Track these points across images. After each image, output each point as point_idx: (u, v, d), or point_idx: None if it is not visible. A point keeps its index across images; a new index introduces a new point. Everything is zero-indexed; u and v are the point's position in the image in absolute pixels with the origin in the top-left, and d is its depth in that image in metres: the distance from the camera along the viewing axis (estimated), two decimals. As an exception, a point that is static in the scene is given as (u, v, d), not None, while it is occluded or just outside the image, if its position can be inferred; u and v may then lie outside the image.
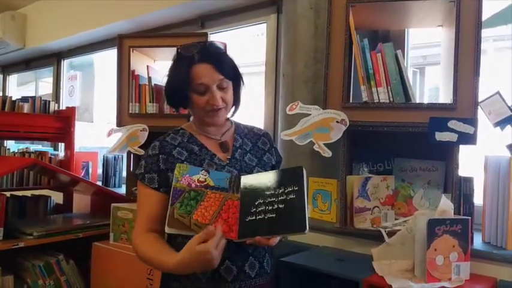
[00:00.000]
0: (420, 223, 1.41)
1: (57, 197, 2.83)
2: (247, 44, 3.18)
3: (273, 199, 1.15)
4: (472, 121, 1.53)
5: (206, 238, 1.08)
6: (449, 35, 1.65)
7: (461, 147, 1.55)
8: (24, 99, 2.83)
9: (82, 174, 3.17)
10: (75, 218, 2.53)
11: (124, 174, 2.89)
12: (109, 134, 2.34)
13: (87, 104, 4.22)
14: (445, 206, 1.43)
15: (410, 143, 1.74)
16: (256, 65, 2.73)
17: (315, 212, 1.86)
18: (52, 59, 4.15)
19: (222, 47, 1.34)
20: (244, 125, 1.47)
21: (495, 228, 1.56)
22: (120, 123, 2.37)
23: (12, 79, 4.94)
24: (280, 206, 1.13)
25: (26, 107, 2.79)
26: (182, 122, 1.47)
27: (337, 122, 1.65)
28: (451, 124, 1.53)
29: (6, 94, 4.65)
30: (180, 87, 1.28)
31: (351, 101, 1.71)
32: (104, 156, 3.23)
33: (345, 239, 1.86)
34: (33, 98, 2.85)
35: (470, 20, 1.55)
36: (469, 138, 1.52)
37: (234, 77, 1.33)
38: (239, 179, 1.23)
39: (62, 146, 3.64)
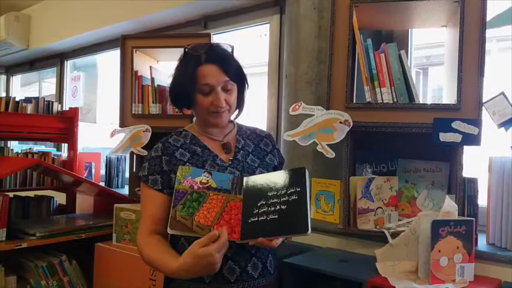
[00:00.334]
0: (424, 224, 1.40)
1: (60, 198, 2.84)
2: (251, 44, 3.18)
3: (275, 200, 1.15)
4: (476, 122, 1.52)
5: (208, 242, 1.08)
6: (454, 35, 1.64)
7: (466, 148, 1.54)
8: (28, 99, 2.84)
9: (85, 175, 3.18)
10: (78, 218, 2.53)
11: (127, 174, 2.90)
12: (112, 135, 2.34)
13: (90, 104, 4.24)
14: (449, 207, 1.42)
15: (414, 144, 1.74)
16: (260, 66, 2.73)
17: (318, 213, 1.85)
18: (55, 59, 4.16)
19: (229, 49, 1.34)
20: (247, 127, 1.46)
21: (499, 230, 1.55)
22: (123, 123, 2.37)
23: (16, 80, 4.96)
24: (283, 207, 1.13)
25: (30, 108, 2.79)
26: (185, 123, 1.47)
27: (341, 122, 1.65)
28: (455, 125, 1.52)
29: (10, 95, 4.67)
30: (185, 87, 1.28)
31: (354, 101, 1.71)
32: (107, 156, 3.23)
33: (348, 240, 1.85)
34: (37, 99, 2.86)
35: (475, 20, 1.54)
36: (473, 139, 1.51)
37: (239, 79, 1.32)
38: (241, 180, 1.23)
39: (65, 146, 3.64)
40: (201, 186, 1.20)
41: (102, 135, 3.67)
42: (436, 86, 2.55)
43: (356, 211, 1.66)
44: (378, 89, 1.64)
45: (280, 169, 1.46)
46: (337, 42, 1.70)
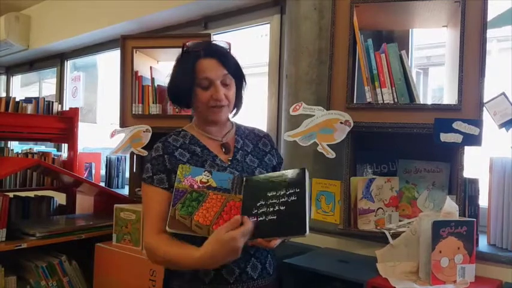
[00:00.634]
0: (425, 225, 1.40)
1: (60, 198, 2.83)
2: (251, 44, 3.18)
3: (274, 201, 1.15)
4: (477, 122, 1.51)
5: (232, 227, 1.09)
6: (454, 36, 1.64)
7: (466, 149, 1.54)
8: (28, 100, 2.84)
9: (85, 175, 3.18)
10: (78, 219, 2.52)
11: (127, 175, 2.89)
12: (112, 135, 2.34)
13: (90, 104, 4.23)
14: (450, 207, 1.42)
15: (414, 144, 1.73)
16: (260, 66, 2.73)
17: (319, 213, 1.85)
18: (56, 59, 4.16)
19: (226, 46, 1.35)
20: (245, 127, 1.46)
21: (500, 230, 1.55)
22: (123, 124, 2.37)
23: (16, 80, 4.97)
24: (282, 208, 1.13)
25: (30, 108, 2.79)
26: (185, 123, 1.46)
27: (341, 123, 1.64)
28: (456, 125, 1.52)
29: (10, 95, 4.67)
30: (184, 82, 1.29)
31: (355, 101, 1.71)
32: (107, 157, 3.23)
33: (349, 240, 1.85)
34: (37, 99, 2.85)
35: (476, 20, 1.54)
36: (474, 140, 1.51)
37: (237, 76, 1.33)
38: (241, 180, 1.22)
39: (65, 146, 3.63)
40: (201, 185, 1.20)
41: (102, 135, 3.67)
42: (436, 86, 2.55)
43: (356, 211, 1.65)
44: (378, 89, 1.63)
45: (279, 169, 1.45)
46: (338, 42, 1.70)
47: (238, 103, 1.38)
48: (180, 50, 1.35)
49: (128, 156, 2.53)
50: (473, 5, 1.54)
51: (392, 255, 1.52)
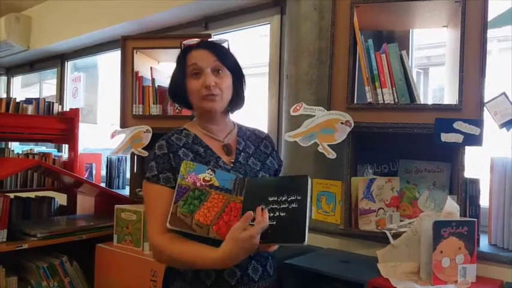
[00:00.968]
0: (425, 225, 1.40)
1: (61, 199, 2.84)
2: (252, 45, 3.18)
3: (275, 206, 1.15)
4: (478, 122, 1.51)
5: (246, 225, 1.09)
6: (455, 36, 1.64)
7: (467, 149, 1.54)
8: (28, 100, 2.84)
9: (86, 176, 3.18)
10: (79, 219, 2.53)
11: (128, 175, 2.89)
12: (113, 136, 2.34)
13: (90, 105, 4.23)
14: (451, 207, 1.42)
15: (415, 144, 1.73)
16: (260, 66, 2.72)
17: (319, 213, 1.85)
18: (56, 60, 4.17)
19: (224, 42, 1.35)
20: (246, 127, 1.45)
21: (501, 230, 1.55)
22: (123, 124, 2.37)
23: (17, 81, 4.97)
24: (282, 214, 1.13)
25: (30, 109, 2.79)
26: (185, 124, 1.46)
27: (342, 123, 1.64)
28: (457, 125, 1.52)
29: (11, 96, 4.67)
30: (178, 75, 1.31)
31: (355, 102, 1.71)
32: (107, 157, 3.23)
33: (350, 240, 1.85)
34: (37, 100, 2.86)
35: (476, 20, 1.54)
36: (474, 140, 1.51)
37: (235, 70, 1.33)
38: (243, 182, 1.22)
39: (65, 147, 3.64)
40: (203, 183, 1.20)
41: (102, 136, 3.67)
42: (436, 86, 2.55)
43: (357, 212, 1.65)
44: (379, 90, 1.63)
45: (280, 171, 1.46)
46: (338, 42, 1.70)
47: (238, 100, 1.37)
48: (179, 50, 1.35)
49: (128, 156, 2.53)
50: (474, 5, 1.54)
51: (393, 255, 1.52)
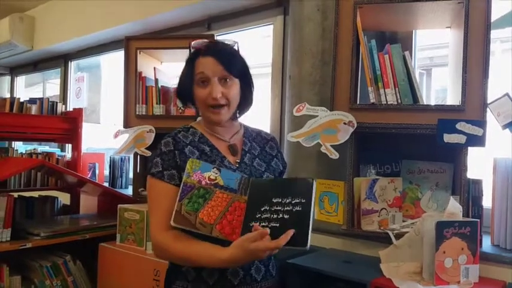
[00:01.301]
0: (428, 225, 1.40)
1: (64, 198, 2.85)
2: (255, 45, 3.18)
3: (279, 208, 1.15)
4: (481, 123, 1.52)
5: (259, 238, 1.09)
6: (458, 36, 1.64)
7: (470, 149, 1.54)
8: (32, 100, 2.85)
9: (89, 176, 3.19)
10: (82, 219, 2.54)
11: (131, 175, 2.90)
12: (116, 136, 2.35)
13: (94, 105, 4.24)
14: (454, 208, 1.42)
15: (418, 145, 1.73)
16: (263, 67, 2.73)
17: (322, 214, 1.85)
18: (59, 60, 4.18)
19: (233, 44, 1.34)
20: (252, 129, 1.46)
21: (504, 231, 1.55)
22: (127, 124, 2.38)
23: (20, 80, 4.98)
24: (285, 216, 1.13)
25: (34, 109, 2.80)
26: (189, 123, 1.46)
27: (345, 123, 1.65)
28: (460, 126, 1.52)
29: (14, 95, 4.68)
30: (185, 80, 1.31)
31: (358, 102, 1.71)
32: (110, 157, 3.24)
33: (352, 241, 1.85)
34: (41, 100, 2.87)
35: (479, 21, 1.54)
36: (477, 140, 1.51)
37: (242, 75, 1.31)
38: (249, 182, 1.23)
39: (69, 147, 3.65)
40: (209, 182, 1.20)
41: (106, 135, 3.67)
42: (439, 87, 2.54)
43: (360, 212, 1.66)
44: (382, 90, 1.64)
45: (284, 173, 1.46)
46: (341, 43, 1.70)
47: (245, 104, 1.36)
48: (184, 51, 1.37)
49: (131, 156, 2.54)
50: (477, 6, 1.54)
51: (395, 255, 1.53)
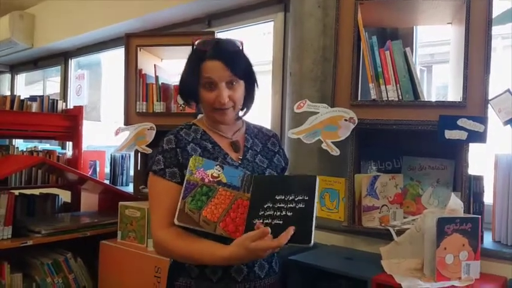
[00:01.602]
0: (429, 222, 1.40)
1: (65, 196, 2.85)
2: (255, 42, 3.18)
3: (282, 205, 1.14)
4: (482, 119, 1.51)
5: (260, 237, 1.08)
6: (459, 33, 1.64)
7: (471, 146, 1.54)
8: (32, 98, 2.85)
9: (90, 173, 3.19)
10: (83, 216, 2.54)
11: (131, 172, 2.90)
12: (116, 133, 2.35)
13: (94, 103, 4.24)
14: (455, 204, 1.42)
15: (419, 141, 1.73)
16: (264, 64, 2.72)
17: (323, 210, 1.85)
18: (60, 58, 4.17)
19: (238, 44, 1.32)
20: (254, 125, 1.46)
21: (505, 227, 1.55)
22: (127, 122, 2.38)
23: (21, 78, 4.98)
24: (289, 213, 1.12)
25: (34, 106, 2.80)
26: (189, 121, 1.46)
27: (346, 120, 1.64)
28: (461, 122, 1.52)
29: (15, 93, 4.69)
30: (190, 82, 1.29)
31: (359, 98, 1.71)
32: (111, 155, 3.24)
33: (353, 237, 1.85)
34: (41, 97, 2.86)
35: (481, 17, 1.53)
36: (478, 137, 1.51)
37: (247, 76, 1.31)
38: (251, 179, 1.22)
39: (69, 144, 3.65)
40: (211, 179, 1.20)
41: (106, 133, 3.68)
42: (440, 84, 2.54)
43: (361, 209, 1.66)
44: (383, 87, 1.63)
45: (286, 170, 1.46)
46: (342, 39, 1.70)
47: (248, 103, 1.36)
48: (184, 48, 1.35)
49: (132, 154, 2.54)
50: (478, 2, 1.54)
51: (397, 252, 1.53)
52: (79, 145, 2.94)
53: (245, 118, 1.44)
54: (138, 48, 2.39)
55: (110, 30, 3.37)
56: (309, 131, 1.69)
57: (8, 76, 5.01)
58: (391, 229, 1.58)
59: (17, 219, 2.22)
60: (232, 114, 1.31)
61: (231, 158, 1.31)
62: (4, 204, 2.07)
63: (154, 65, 2.47)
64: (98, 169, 3.27)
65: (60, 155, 3.01)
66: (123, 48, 2.43)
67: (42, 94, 3.86)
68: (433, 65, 2.85)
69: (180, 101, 2.30)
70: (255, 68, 1.35)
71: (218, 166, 1.21)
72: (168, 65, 2.60)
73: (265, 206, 1.16)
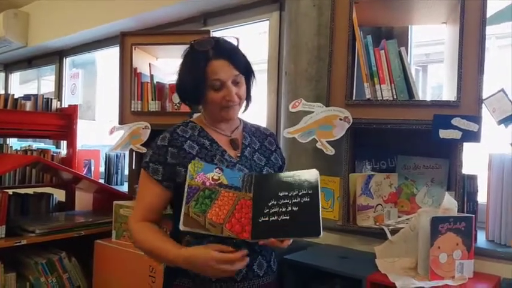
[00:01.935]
0: (423, 221, 1.40)
1: (59, 195, 2.83)
2: (251, 41, 3.18)
3: (286, 201, 1.16)
4: (476, 118, 1.52)
5: (223, 259, 1.11)
6: (454, 32, 1.64)
7: (465, 145, 1.54)
8: (27, 97, 2.83)
9: (84, 172, 3.17)
10: (78, 215, 2.52)
11: (126, 172, 2.90)
12: (111, 132, 2.34)
13: (89, 101, 4.23)
14: (449, 203, 1.42)
15: (413, 141, 1.74)
16: (259, 63, 2.72)
17: (318, 209, 1.85)
18: (54, 57, 4.15)
19: (234, 42, 1.33)
20: (251, 124, 1.46)
21: (499, 226, 1.56)
22: (122, 121, 2.37)
23: (15, 77, 4.95)
24: (294, 208, 1.14)
25: (28, 105, 2.79)
26: (185, 119, 1.45)
27: (340, 119, 1.65)
28: (455, 121, 1.53)
29: (9, 92, 4.65)
30: (195, 84, 1.27)
31: (354, 98, 1.71)
32: (106, 154, 3.23)
33: (348, 236, 1.86)
34: (36, 96, 2.85)
35: (475, 17, 1.54)
36: (472, 136, 1.51)
37: (247, 72, 1.32)
38: (252, 178, 1.22)
39: (64, 143, 3.63)
40: (212, 182, 1.19)
41: (101, 132, 3.66)
42: (435, 83, 2.55)
43: (356, 208, 1.66)
44: (377, 86, 1.64)
45: (283, 169, 1.46)
46: (337, 39, 1.70)
47: (248, 98, 1.37)
48: (179, 47, 1.34)
49: (127, 153, 2.53)
50: (473, 2, 1.54)
51: (391, 251, 1.53)
52: (73, 144, 2.92)
53: (241, 117, 1.44)
54: (133, 47, 2.38)
55: (104, 29, 3.35)
56: (304, 130, 1.69)
57: (2, 75, 4.97)
58: (385, 228, 1.58)
59: (11, 219, 2.20)
60: (237, 111, 1.33)
61: (229, 155, 1.30)
62: (-2, 203, 2.06)
63: (150, 63, 2.46)
64: (92, 168, 3.26)
65: (55, 154, 3.00)
66: (118, 47, 2.42)
67: (36, 93, 3.84)
68: (428, 64, 2.86)
69: (175, 100, 2.30)
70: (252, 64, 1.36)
71: (218, 169, 1.21)
72: (163, 64, 2.59)
73: (269, 204, 1.17)
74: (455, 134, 1.52)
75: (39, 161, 2.49)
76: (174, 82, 1.37)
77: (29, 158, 2.71)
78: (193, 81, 1.27)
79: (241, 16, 2.71)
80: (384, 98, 1.63)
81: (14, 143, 3.62)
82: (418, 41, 2.15)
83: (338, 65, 1.70)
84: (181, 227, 1.14)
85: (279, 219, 1.13)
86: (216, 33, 2.71)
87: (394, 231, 1.56)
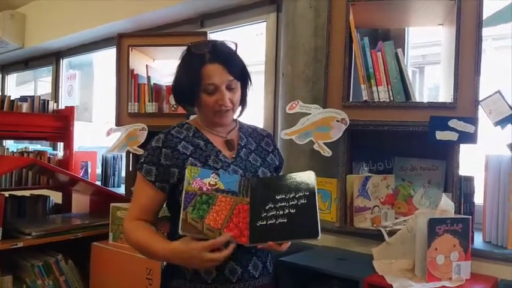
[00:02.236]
0: (420, 222, 1.40)
1: (56, 197, 2.82)
2: (248, 43, 3.17)
3: (283, 204, 1.16)
4: (473, 120, 1.52)
5: (207, 248, 1.12)
6: (450, 34, 1.64)
7: (462, 147, 1.55)
8: (23, 98, 2.82)
9: (81, 174, 3.16)
10: (74, 217, 2.52)
11: (123, 173, 2.89)
12: (108, 134, 2.33)
13: (86, 103, 4.21)
14: (446, 205, 1.42)
15: (410, 142, 1.74)
16: (257, 64, 2.72)
17: (315, 211, 1.85)
18: (51, 58, 4.14)
19: (233, 46, 1.32)
20: (248, 125, 1.46)
21: (496, 228, 1.56)
22: (119, 122, 2.36)
23: (11, 78, 4.93)
24: (292, 211, 1.14)
25: (25, 107, 2.78)
26: (182, 121, 1.45)
27: (337, 121, 1.65)
28: (452, 123, 1.53)
29: (5, 93, 4.64)
30: (189, 86, 1.27)
31: (351, 100, 1.71)
32: (103, 155, 3.22)
33: (345, 238, 1.86)
34: (32, 98, 2.84)
35: (471, 18, 1.54)
36: (469, 137, 1.52)
37: (243, 77, 1.32)
38: (249, 182, 1.22)
39: (60, 145, 3.63)
40: (209, 187, 1.19)
41: (98, 134, 3.65)
42: (432, 85, 2.56)
43: (353, 209, 1.66)
44: (374, 88, 1.64)
45: (281, 169, 1.46)
46: (334, 40, 1.70)
47: (243, 103, 1.37)
48: (177, 48, 1.34)
49: (124, 154, 2.53)
50: (469, 4, 1.55)
51: (388, 252, 1.53)
52: (70, 146, 2.92)
53: (239, 118, 1.44)
54: (130, 49, 2.37)
55: (101, 30, 3.35)
56: (301, 131, 1.69)
57: (-2, 76, 4.96)
58: (382, 230, 1.58)
59: (7, 221, 2.19)
60: (231, 116, 1.33)
61: (223, 155, 1.31)
62: (-6, 205, 2.05)
63: (146, 65, 2.46)
64: (89, 170, 3.25)
65: (51, 156, 2.99)
66: (115, 48, 2.41)
67: (33, 94, 3.82)
68: (424, 66, 2.86)
69: (172, 102, 2.29)
70: (249, 69, 1.35)
71: (214, 174, 1.21)
72: (160, 66, 2.59)
73: (266, 207, 1.17)
74: (452, 136, 1.53)
75: (36, 163, 2.49)
76: (171, 84, 1.37)
77: (26, 160, 2.70)
78: (188, 84, 1.27)
79: (238, 17, 2.71)
80: (381, 100, 1.63)
81: (11, 145, 3.60)
82: (415, 42, 2.16)
83: (335, 67, 1.70)
84: (180, 232, 1.14)
85: (277, 222, 1.13)
86: (213, 35, 2.71)
87: (391, 233, 1.56)
